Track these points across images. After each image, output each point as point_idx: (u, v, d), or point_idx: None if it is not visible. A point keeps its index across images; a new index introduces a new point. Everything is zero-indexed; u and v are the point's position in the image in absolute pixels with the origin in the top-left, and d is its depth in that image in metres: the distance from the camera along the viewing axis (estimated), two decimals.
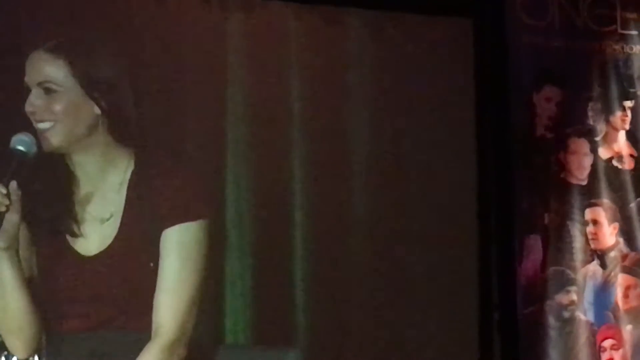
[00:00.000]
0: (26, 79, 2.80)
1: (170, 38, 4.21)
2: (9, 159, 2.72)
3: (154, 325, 2.76)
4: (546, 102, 4.62)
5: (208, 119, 4.28)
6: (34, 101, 2.78)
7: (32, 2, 3.92)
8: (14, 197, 2.69)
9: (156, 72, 4.12)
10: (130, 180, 2.83)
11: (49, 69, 2.77)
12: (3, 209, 2.68)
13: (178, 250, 2.77)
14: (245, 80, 4.33)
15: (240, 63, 4.33)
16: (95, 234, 2.82)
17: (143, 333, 2.76)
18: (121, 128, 2.82)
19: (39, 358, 2.85)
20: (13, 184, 2.68)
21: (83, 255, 2.81)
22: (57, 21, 3.78)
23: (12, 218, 2.71)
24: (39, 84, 2.77)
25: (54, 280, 2.82)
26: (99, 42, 2.90)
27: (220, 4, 4.31)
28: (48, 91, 2.77)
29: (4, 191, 2.67)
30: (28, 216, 2.77)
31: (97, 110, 2.79)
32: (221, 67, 4.31)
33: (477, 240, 4.54)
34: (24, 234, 2.80)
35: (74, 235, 2.82)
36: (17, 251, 2.76)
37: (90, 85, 2.77)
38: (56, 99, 2.77)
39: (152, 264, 2.77)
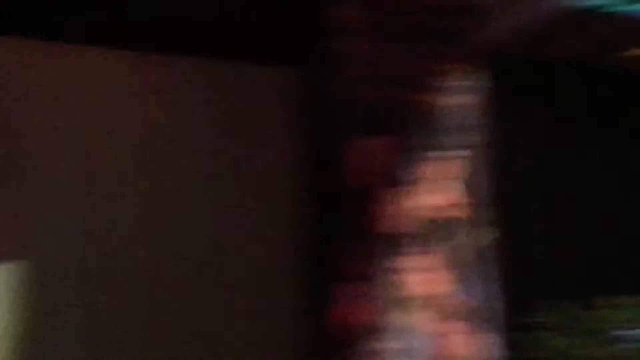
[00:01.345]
0: None
1: (11, 84, 4.52)
2: None
3: None
4: (366, 151, 4.52)
5: (43, 165, 4.53)
6: None
7: None
8: None
9: None
10: None
11: None
12: None
13: None
14: (79, 127, 4.57)
15: (74, 109, 4.58)
16: None
17: None
18: None
19: None
20: None
21: None
22: None
23: None
24: None
25: None
26: None
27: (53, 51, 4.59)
28: None
29: None
30: None
31: None
32: (54, 111, 4.57)
33: (292, 289, 4.54)
34: None
35: None
36: None
37: None
38: None
39: None
